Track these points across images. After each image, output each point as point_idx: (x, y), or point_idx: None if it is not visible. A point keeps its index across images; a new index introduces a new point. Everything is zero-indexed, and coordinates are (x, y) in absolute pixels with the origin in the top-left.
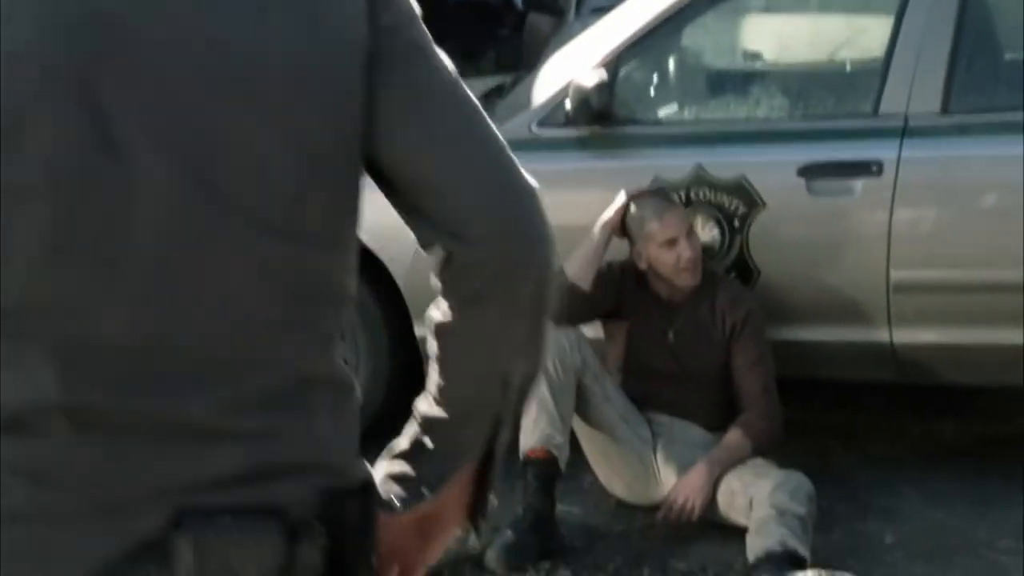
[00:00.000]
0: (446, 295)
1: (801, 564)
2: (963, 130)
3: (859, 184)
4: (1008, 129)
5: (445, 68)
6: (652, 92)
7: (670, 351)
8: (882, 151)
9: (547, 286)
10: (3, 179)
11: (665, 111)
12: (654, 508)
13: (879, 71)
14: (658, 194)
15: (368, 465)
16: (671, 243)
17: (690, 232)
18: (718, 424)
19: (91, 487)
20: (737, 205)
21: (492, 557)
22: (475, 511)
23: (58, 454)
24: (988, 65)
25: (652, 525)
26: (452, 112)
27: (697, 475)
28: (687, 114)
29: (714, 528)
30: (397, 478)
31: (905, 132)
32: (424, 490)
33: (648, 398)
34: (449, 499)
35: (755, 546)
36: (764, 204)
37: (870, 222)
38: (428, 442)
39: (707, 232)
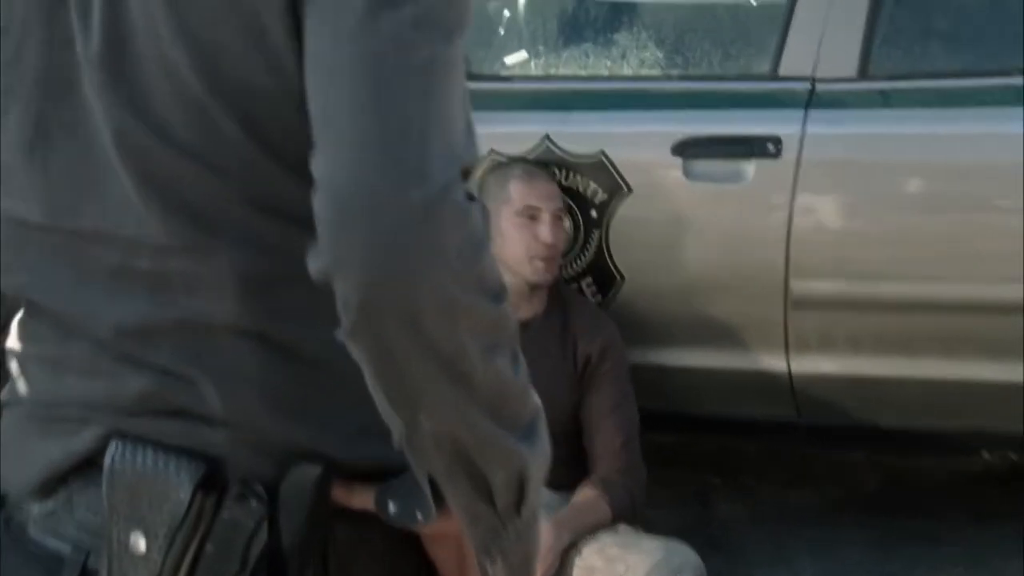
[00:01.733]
0: None
1: None
2: (886, 100)
3: (751, 167)
4: (943, 100)
5: (386, 18)
6: (492, 36)
7: None
8: (782, 124)
9: (421, 330)
10: None
11: (506, 63)
12: None
13: (780, 21)
14: (538, 163)
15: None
16: (532, 216)
17: (558, 217)
18: (565, 482)
19: (36, 394)
20: (595, 190)
21: None
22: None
23: (16, 352)
24: (918, 18)
25: None
26: (359, 72)
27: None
28: (534, 68)
29: None
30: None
31: (811, 101)
32: (418, 514)
33: None
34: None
35: None
36: (629, 190)
37: (765, 216)
38: None
39: None
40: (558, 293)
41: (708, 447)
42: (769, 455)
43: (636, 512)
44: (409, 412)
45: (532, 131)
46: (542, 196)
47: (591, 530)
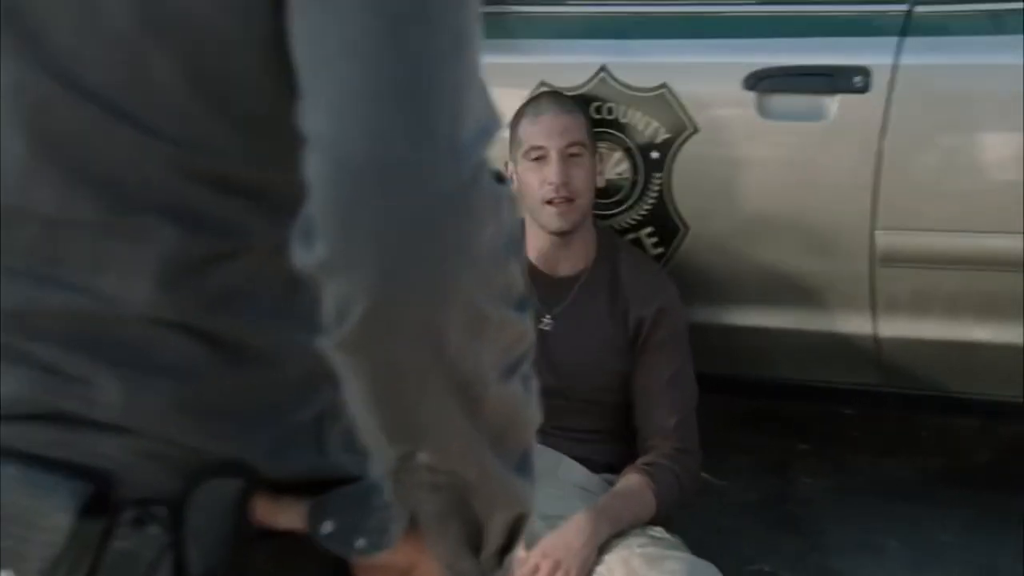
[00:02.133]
0: None
1: None
2: (996, 24)
3: (835, 102)
4: None
5: None
6: None
7: (545, 353)
8: (871, 54)
9: (442, 348)
10: None
11: None
12: None
13: None
14: (558, 96)
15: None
16: (540, 156)
17: (568, 153)
18: (607, 463)
19: None
20: (656, 129)
21: None
22: None
23: None
24: None
25: None
26: (373, 4)
27: (575, 530)
28: None
29: None
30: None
31: (907, 26)
32: (359, 540)
33: None
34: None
35: None
36: (695, 128)
37: (849, 160)
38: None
39: (612, 167)
40: (611, 244)
41: (797, 410)
42: (866, 420)
43: (683, 501)
44: (408, 445)
45: (587, 61)
46: (546, 133)
47: (631, 524)
